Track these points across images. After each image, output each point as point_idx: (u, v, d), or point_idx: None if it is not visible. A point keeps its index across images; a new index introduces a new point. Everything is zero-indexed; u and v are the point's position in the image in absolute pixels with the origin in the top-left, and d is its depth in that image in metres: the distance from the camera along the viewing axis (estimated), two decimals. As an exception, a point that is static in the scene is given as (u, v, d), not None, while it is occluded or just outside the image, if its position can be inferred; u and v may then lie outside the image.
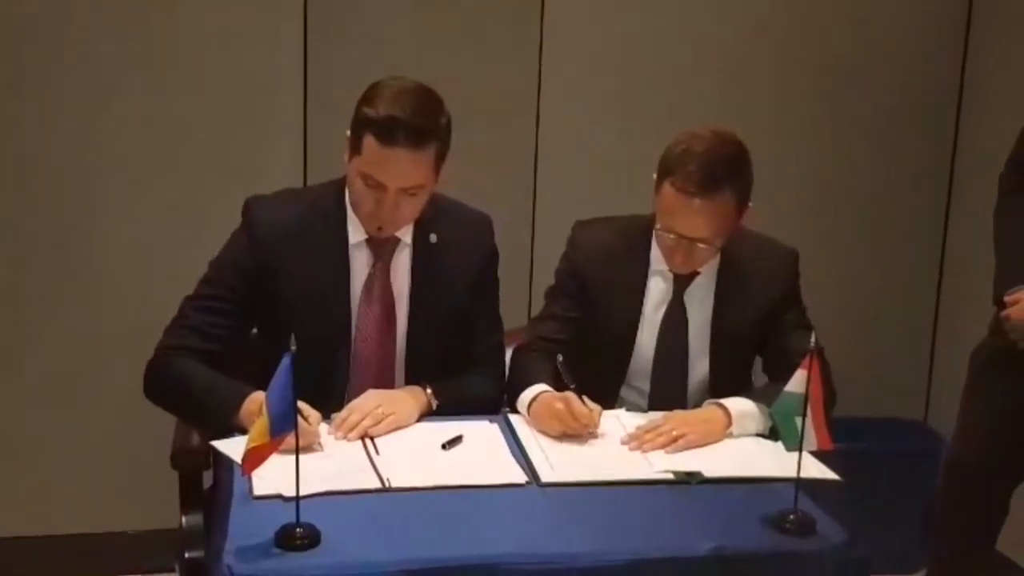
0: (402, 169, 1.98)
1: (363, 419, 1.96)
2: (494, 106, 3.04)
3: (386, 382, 2.13)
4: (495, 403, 2.17)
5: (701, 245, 2.10)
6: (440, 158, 2.04)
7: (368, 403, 1.99)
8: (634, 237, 2.24)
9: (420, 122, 1.97)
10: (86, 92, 2.85)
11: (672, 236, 2.10)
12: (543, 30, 3.07)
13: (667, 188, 2.08)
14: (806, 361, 1.68)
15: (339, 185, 2.14)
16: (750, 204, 2.14)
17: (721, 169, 2.05)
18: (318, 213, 2.12)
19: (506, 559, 1.60)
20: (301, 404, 1.78)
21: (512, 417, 2.09)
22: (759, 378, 2.31)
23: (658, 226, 2.14)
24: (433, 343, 2.15)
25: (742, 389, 2.15)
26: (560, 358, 2.08)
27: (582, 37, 3.11)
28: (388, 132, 1.96)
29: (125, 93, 2.87)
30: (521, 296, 3.00)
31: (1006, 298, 2.31)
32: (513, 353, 2.27)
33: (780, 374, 2.08)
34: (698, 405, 2.13)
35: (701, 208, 2.05)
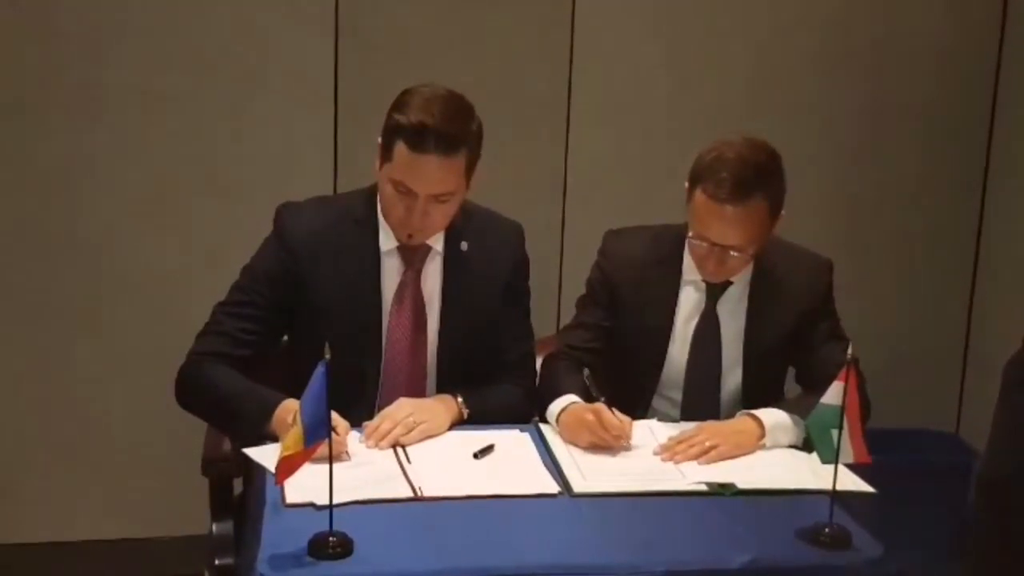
0: (432, 176, 1.99)
1: (394, 427, 1.96)
2: (524, 114, 3.04)
3: (417, 390, 2.13)
4: (526, 412, 2.17)
5: (734, 253, 2.09)
6: (471, 165, 2.04)
7: (399, 412, 1.99)
8: (666, 247, 2.23)
9: (451, 129, 1.97)
10: (114, 99, 2.87)
11: (704, 244, 2.10)
12: (573, 38, 3.07)
13: (699, 195, 2.07)
14: (843, 373, 1.67)
15: (370, 192, 2.14)
16: (782, 212, 2.12)
17: (753, 176, 2.04)
18: (349, 220, 2.12)
19: (538, 569, 1.60)
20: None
21: (543, 427, 2.08)
22: (791, 388, 2.30)
23: (690, 234, 2.13)
24: (464, 351, 2.15)
25: (775, 400, 2.14)
26: (587, 372, 2.07)
27: (612, 46, 3.10)
28: (419, 139, 1.96)
29: (153, 99, 2.89)
30: (550, 305, 2.99)
31: (1041, 309, 2.28)
32: (543, 362, 2.26)
33: (813, 385, 2.07)
34: (731, 416, 2.12)
35: (733, 215, 2.04)
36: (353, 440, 1.94)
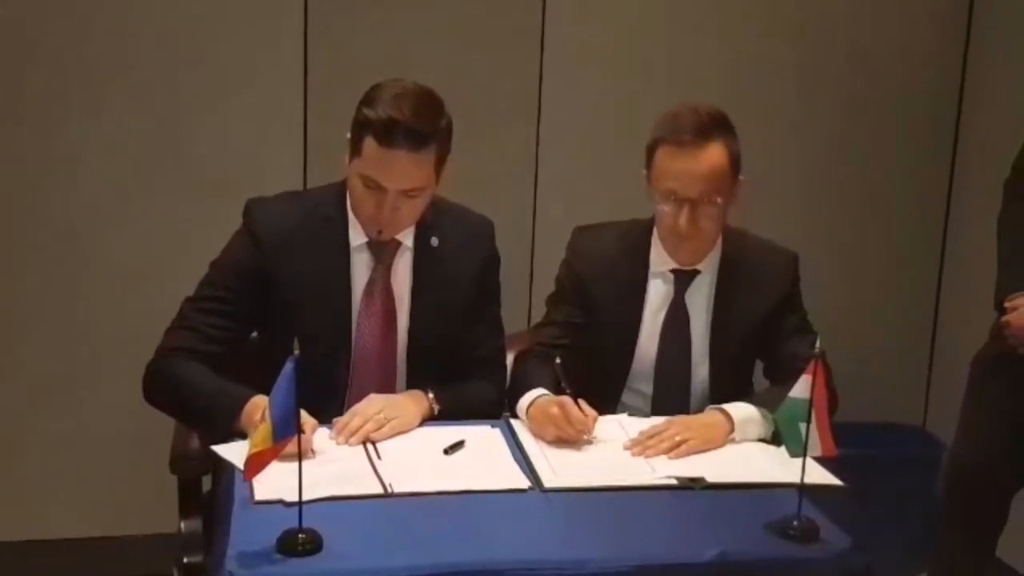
0: (402, 171, 1.98)
1: (365, 423, 1.95)
2: (495, 110, 3.04)
3: (387, 385, 2.12)
4: (497, 407, 2.17)
5: (704, 207, 2.09)
6: (440, 160, 2.03)
7: (370, 408, 1.98)
8: (633, 240, 2.24)
9: (420, 124, 1.96)
10: (85, 94, 2.85)
11: (672, 203, 2.10)
12: (544, 34, 3.07)
13: (660, 153, 2.11)
14: (811, 366, 1.68)
15: (340, 188, 2.13)
16: (742, 178, 2.15)
17: (710, 122, 2.10)
18: (319, 216, 2.11)
19: (509, 565, 1.59)
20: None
21: (514, 422, 2.08)
22: (759, 382, 2.31)
23: (657, 200, 2.13)
24: (434, 346, 2.14)
25: (743, 393, 2.15)
26: (557, 360, 2.07)
27: (583, 41, 3.11)
28: (388, 134, 1.95)
29: (124, 94, 2.87)
30: (521, 301, 2.99)
31: (1007, 304, 2.31)
32: (515, 359, 2.26)
33: (781, 379, 2.09)
34: (701, 408, 2.13)
35: (696, 160, 2.07)
36: (323, 436, 1.93)
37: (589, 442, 1.97)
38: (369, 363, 2.12)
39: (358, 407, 1.99)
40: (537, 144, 3.12)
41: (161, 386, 2.07)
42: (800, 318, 2.25)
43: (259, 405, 1.84)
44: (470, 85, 2.94)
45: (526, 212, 3.13)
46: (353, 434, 1.93)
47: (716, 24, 3.17)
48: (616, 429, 2.04)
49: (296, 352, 1.55)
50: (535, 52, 3.08)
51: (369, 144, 1.97)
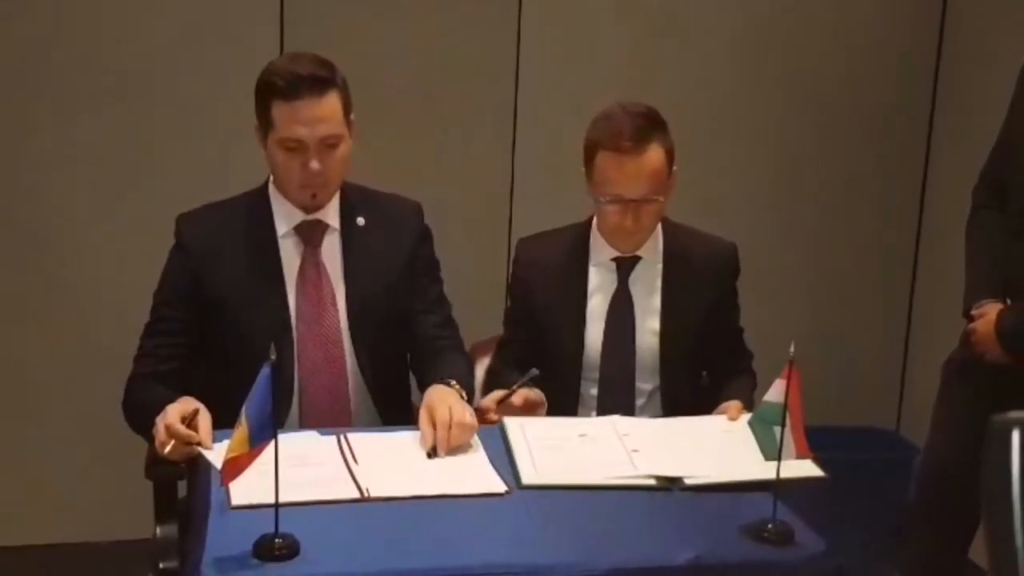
0: (314, 117, 2.04)
1: (447, 432, 1.91)
2: (471, 117, 3.04)
3: (334, 365, 2.15)
4: (471, 371, 2.24)
5: (647, 205, 2.15)
6: (346, 109, 2.09)
7: (445, 412, 1.93)
8: (573, 239, 2.30)
9: (319, 71, 2.05)
10: (58, 96, 2.84)
11: (618, 206, 2.16)
12: (520, 39, 3.09)
13: (601, 158, 2.16)
14: (785, 371, 1.70)
15: (260, 186, 2.19)
16: (675, 168, 2.21)
17: (645, 123, 2.16)
18: (242, 213, 2.17)
19: (484, 569, 1.60)
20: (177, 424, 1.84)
21: (506, 419, 2.07)
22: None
23: (602, 200, 2.18)
24: (374, 320, 2.18)
25: (692, 378, 2.24)
26: (535, 372, 2.13)
27: (559, 47, 3.12)
28: (292, 87, 2.03)
29: (100, 99, 2.86)
30: (498, 306, 2.99)
31: (973, 311, 2.34)
32: (487, 375, 2.31)
33: (733, 371, 2.25)
34: (650, 401, 2.23)
35: (639, 164, 2.14)
36: (301, 440, 1.92)
37: (578, 440, 1.99)
38: (313, 343, 2.15)
39: (437, 418, 1.93)
40: (513, 150, 3.13)
41: (133, 415, 2.11)
42: (737, 317, 2.33)
43: (171, 409, 1.87)
44: (446, 91, 2.95)
45: (503, 217, 3.14)
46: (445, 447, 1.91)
47: (691, 29, 3.20)
48: (605, 429, 2.04)
49: (273, 357, 1.55)
50: (511, 59, 3.09)
51: (278, 107, 2.04)
